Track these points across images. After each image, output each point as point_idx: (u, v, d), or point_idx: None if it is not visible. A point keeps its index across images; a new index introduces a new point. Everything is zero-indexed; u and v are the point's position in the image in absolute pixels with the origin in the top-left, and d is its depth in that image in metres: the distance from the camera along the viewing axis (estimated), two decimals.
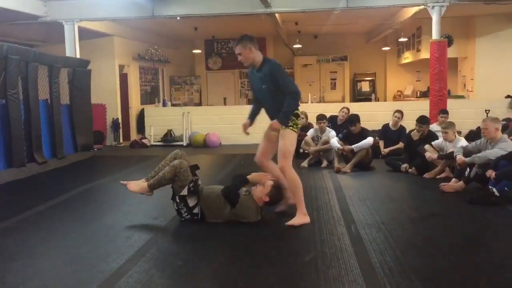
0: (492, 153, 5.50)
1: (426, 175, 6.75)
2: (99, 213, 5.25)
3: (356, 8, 9.67)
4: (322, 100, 15.80)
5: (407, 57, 15.20)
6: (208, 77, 16.82)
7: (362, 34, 16.23)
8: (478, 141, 5.99)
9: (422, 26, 12.97)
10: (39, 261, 3.71)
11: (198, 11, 9.98)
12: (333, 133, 8.08)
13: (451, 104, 9.76)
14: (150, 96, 14.13)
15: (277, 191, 4.55)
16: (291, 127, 4.52)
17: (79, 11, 9.99)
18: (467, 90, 13.27)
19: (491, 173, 5.23)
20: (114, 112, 12.10)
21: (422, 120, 7.35)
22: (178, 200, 4.52)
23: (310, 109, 10.40)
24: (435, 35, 9.45)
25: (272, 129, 4.57)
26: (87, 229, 4.55)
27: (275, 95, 4.54)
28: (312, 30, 15.04)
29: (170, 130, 12.16)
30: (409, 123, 8.10)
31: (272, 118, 4.62)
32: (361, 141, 7.51)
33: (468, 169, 5.72)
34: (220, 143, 11.62)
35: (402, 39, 14.53)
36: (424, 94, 14.88)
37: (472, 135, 8.97)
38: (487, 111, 10.75)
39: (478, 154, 5.65)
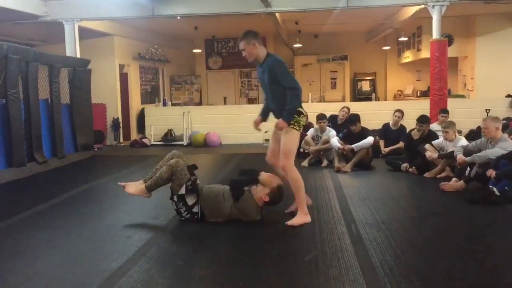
0: (493, 152, 5.50)
1: (426, 175, 6.75)
2: (100, 213, 5.25)
3: (356, 8, 9.67)
4: (322, 99, 15.81)
5: (408, 56, 15.20)
6: (208, 76, 16.82)
7: (363, 34, 16.22)
8: (478, 141, 5.99)
9: (423, 26, 12.98)
10: (40, 260, 3.71)
11: (198, 10, 9.98)
12: (333, 132, 8.08)
13: (451, 103, 9.75)
14: (150, 96, 14.14)
15: (278, 192, 4.52)
16: (292, 125, 4.45)
17: (79, 10, 9.99)
18: (468, 89, 13.27)
19: (491, 173, 5.23)
20: (114, 111, 12.10)
21: (423, 120, 7.35)
22: (176, 200, 4.52)
23: (310, 108, 10.32)
24: (435, 34, 9.44)
25: (279, 128, 4.49)
26: (88, 229, 4.56)
27: (277, 92, 4.49)
28: (313, 30, 15.04)
29: (171, 130, 12.16)
30: (409, 123, 8.10)
31: (276, 116, 4.58)
32: (361, 140, 7.51)
33: (468, 169, 5.71)
34: (221, 143, 11.62)
35: (402, 39, 14.54)
36: (424, 94, 14.88)
37: (473, 135, 8.96)
38: (488, 111, 10.75)
39: (478, 154, 5.65)
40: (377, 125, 9.00)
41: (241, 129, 11.59)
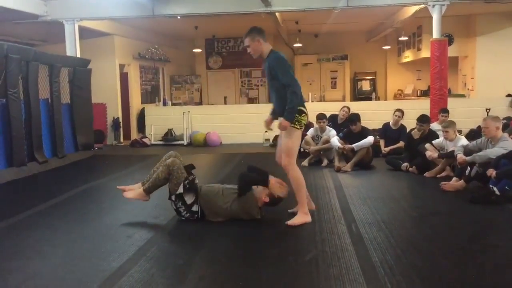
0: (493, 152, 5.50)
1: (426, 174, 6.75)
2: (100, 212, 5.25)
3: (357, 7, 9.66)
4: (322, 99, 15.81)
5: (408, 56, 15.19)
6: (208, 76, 16.81)
7: (363, 33, 16.22)
8: (478, 140, 5.99)
9: (423, 25, 12.97)
10: (40, 260, 3.71)
11: (198, 10, 9.98)
12: (333, 132, 8.08)
13: (451, 103, 9.75)
14: (150, 95, 14.13)
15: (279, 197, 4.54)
16: (293, 125, 4.41)
17: (80, 10, 9.99)
18: (468, 89, 13.27)
19: (491, 172, 5.23)
20: (114, 111, 12.10)
21: (423, 119, 7.34)
22: (175, 199, 4.53)
23: (310, 108, 10.33)
24: (435, 34, 9.44)
25: (282, 128, 4.44)
26: (88, 228, 4.56)
27: (277, 89, 4.47)
28: (313, 29, 15.03)
29: (171, 129, 12.15)
30: (409, 122, 8.10)
31: (278, 114, 4.54)
32: (361, 140, 7.51)
33: (468, 168, 5.72)
34: (221, 142, 11.62)
35: (402, 38, 14.53)
36: (424, 93, 14.87)
37: (473, 134, 8.96)
38: (488, 110, 10.74)
39: (478, 153, 5.65)
40: (377, 125, 9.00)
41: (241, 129, 11.60)
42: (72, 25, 10.00)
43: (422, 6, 9.62)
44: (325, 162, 7.98)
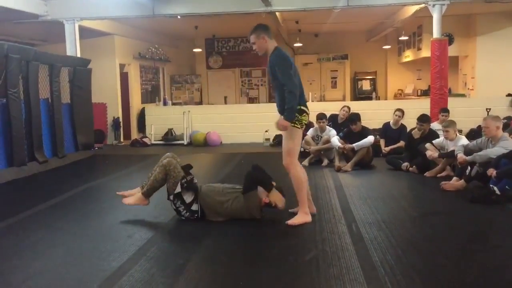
0: (493, 151, 5.50)
1: (427, 174, 6.75)
2: (100, 212, 5.25)
3: (357, 7, 9.66)
4: (322, 98, 15.81)
5: (408, 55, 15.18)
6: (208, 76, 16.81)
7: (363, 33, 16.21)
8: (479, 140, 5.99)
9: (423, 25, 12.96)
10: (40, 260, 3.71)
11: (198, 10, 9.98)
12: (333, 132, 8.07)
13: (451, 102, 9.74)
14: (150, 95, 14.13)
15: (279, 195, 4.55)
16: (293, 124, 4.40)
17: (80, 10, 9.99)
18: (468, 88, 13.26)
19: (492, 172, 5.23)
20: (114, 111, 12.09)
21: (423, 119, 7.34)
22: (173, 199, 4.53)
23: (310, 108, 10.32)
24: (436, 33, 9.43)
25: (282, 128, 4.43)
26: (88, 228, 4.56)
27: (278, 87, 4.45)
28: (313, 29, 15.02)
29: (171, 129, 12.15)
30: (410, 122, 8.10)
31: (281, 113, 4.51)
32: (361, 139, 7.51)
33: (469, 168, 5.71)
34: (221, 142, 11.62)
35: (402, 38, 14.51)
36: (424, 93, 14.86)
37: (473, 134, 8.96)
38: (488, 110, 10.73)
39: (479, 153, 5.65)
40: (378, 124, 8.99)
41: (242, 129, 11.60)
42: (72, 24, 9.99)
43: (422, 5, 9.61)
44: (325, 162, 7.98)
